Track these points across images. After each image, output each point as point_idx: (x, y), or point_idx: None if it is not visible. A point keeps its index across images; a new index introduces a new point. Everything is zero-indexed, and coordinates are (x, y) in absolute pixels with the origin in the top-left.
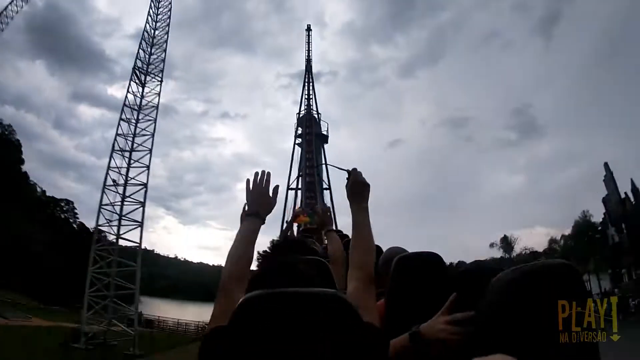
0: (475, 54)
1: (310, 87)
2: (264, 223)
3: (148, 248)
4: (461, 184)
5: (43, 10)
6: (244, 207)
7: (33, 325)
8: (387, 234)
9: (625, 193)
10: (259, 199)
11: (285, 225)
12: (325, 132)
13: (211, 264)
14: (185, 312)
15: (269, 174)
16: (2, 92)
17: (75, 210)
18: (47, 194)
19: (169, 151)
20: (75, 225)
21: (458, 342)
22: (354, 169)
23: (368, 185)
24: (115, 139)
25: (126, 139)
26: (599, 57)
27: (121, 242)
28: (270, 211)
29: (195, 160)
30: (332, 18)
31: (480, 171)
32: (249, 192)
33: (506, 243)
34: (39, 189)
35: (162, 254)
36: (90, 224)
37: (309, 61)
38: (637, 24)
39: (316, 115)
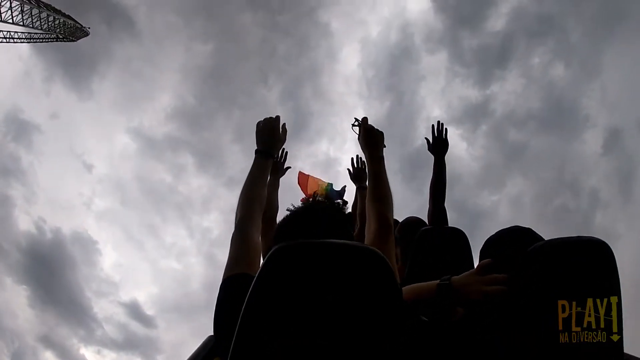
0: None
1: None
2: (273, 161)
3: None
4: None
5: (49, 242)
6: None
7: None
8: None
9: None
10: (269, 135)
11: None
12: None
13: None
14: None
15: (278, 116)
16: None
17: None
18: None
19: None
20: None
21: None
22: (365, 118)
23: (381, 133)
24: None
25: None
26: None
27: None
28: (279, 148)
29: None
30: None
31: None
32: (258, 130)
33: None
34: None
35: None
36: None
37: None
38: None
39: None
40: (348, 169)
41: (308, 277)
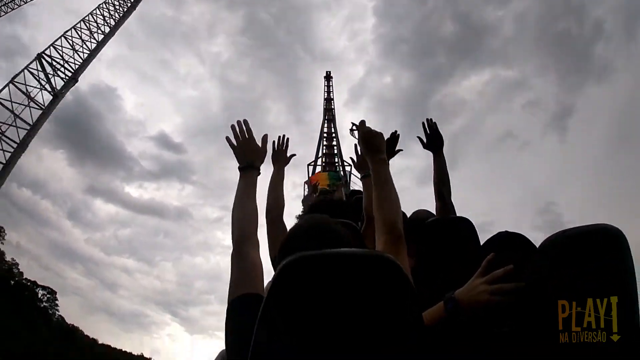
0: (492, 157)
1: None
2: (259, 173)
3: (147, 356)
4: None
5: (71, 103)
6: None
7: None
8: None
9: None
10: (247, 150)
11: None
12: None
13: None
14: None
15: (245, 121)
16: (22, 175)
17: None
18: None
19: (181, 255)
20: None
21: (498, 305)
22: (361, 121)
23: (380, 135)
24: None
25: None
26: (615, 145)
27: None
28: (263, 159)
29: (207, 268)
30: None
31: None
32: (233, 148)
33: None
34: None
35: None
36: None
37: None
38: None
39: None
40: (351, 158)
41: (322, 289)
